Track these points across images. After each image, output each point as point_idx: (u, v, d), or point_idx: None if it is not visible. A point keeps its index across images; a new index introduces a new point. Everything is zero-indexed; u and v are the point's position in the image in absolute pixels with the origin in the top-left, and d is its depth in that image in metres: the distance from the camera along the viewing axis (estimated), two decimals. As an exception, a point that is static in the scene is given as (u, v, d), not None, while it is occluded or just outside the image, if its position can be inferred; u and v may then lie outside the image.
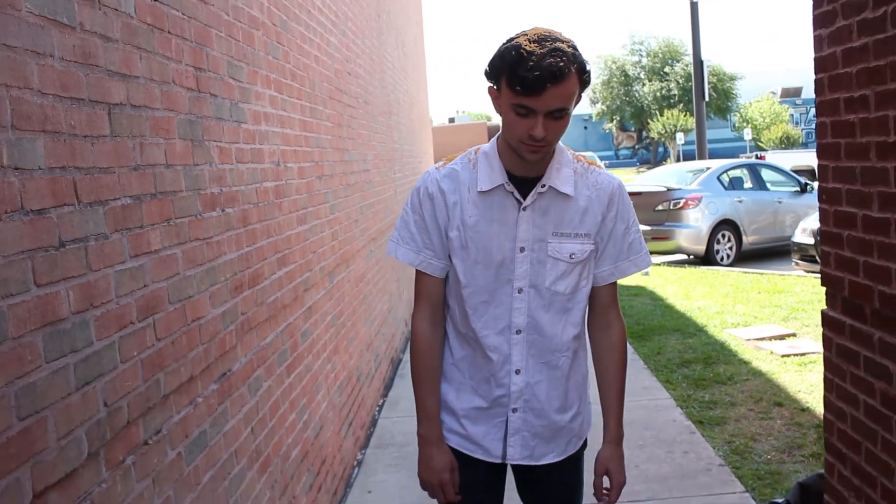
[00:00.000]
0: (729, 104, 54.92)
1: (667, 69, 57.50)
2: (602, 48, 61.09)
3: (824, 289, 3.40)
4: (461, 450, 2.46)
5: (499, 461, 2.45)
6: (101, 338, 2.01)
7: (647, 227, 13.71)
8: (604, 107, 60.25)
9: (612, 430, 2.43)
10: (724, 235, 13.59)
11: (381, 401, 6.79)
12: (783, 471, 4.87)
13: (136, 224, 2.28)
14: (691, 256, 13.93)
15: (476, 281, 2.35)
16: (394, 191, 8.90)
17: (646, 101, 57.71)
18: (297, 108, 4.42)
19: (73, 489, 1.84)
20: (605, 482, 2.42)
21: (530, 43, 2.09)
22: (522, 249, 2.31)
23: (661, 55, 58.44)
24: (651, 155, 58.98)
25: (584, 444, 2.55)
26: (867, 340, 3.00)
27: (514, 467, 2.52)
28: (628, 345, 7.64)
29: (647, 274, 12.47)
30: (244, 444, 3.11)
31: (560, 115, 2.13)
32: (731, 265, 13.39)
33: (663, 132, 49.83)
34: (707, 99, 21.77)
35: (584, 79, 2.15)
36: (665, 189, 13.98)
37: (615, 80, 59.40)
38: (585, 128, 65.34)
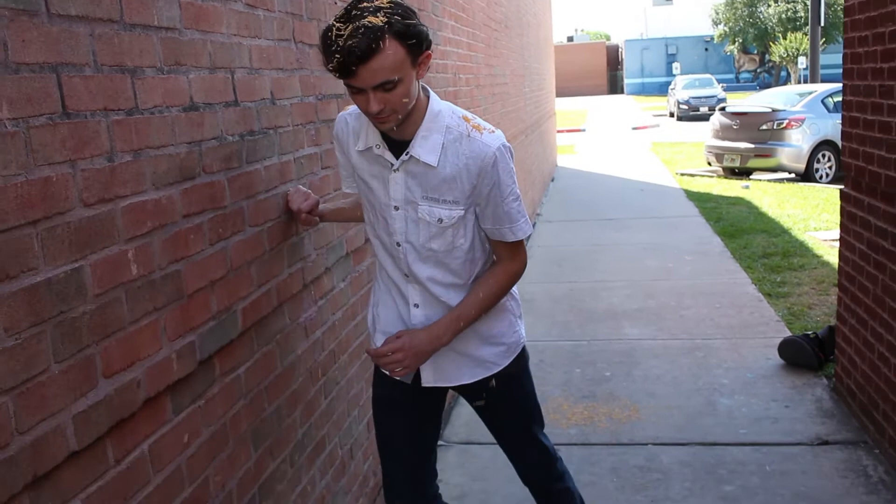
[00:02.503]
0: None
1: (794, -10, 56.19)
2: (729, -34, 59.60)
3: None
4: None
5: (409, 382, 2.53)
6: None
7: (751, 145, 14.82)
8: (726, 28, 59.25)
9: (431, 328, 2.41)
10: (823, 155, 14.57)
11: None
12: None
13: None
14: (792, 174, 14.98)
15: (370, 221, 2.47)
16: (524, 102, 10.40)
17: (770, 23, 56.64)
18: (464, 34, 5.96)
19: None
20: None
21: (338, 20, 2.02)
22: (397, 208, 2.33)
23: (789, -26, 57.04)
24: (773, 79, 58.14)
25: (515, 365, 2.62)
26: (866, 206, 4.40)
27: (463, 395, 2.68)
28: (718, 238, 9.08)
29: (747, 187, 13.66)
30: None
31: (390, 87, 2.05)
32: (829, 183, 14.40)
33: (785, 56, 49.18)
34: (823, 24, 22.21)
35: (409, 43, 2.04)
36: (770, 110, 14.99)
37: (739, 1, 58.36)
38: (706, 49, 64.36)
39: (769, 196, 12.79)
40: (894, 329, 3.97)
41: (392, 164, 2.29)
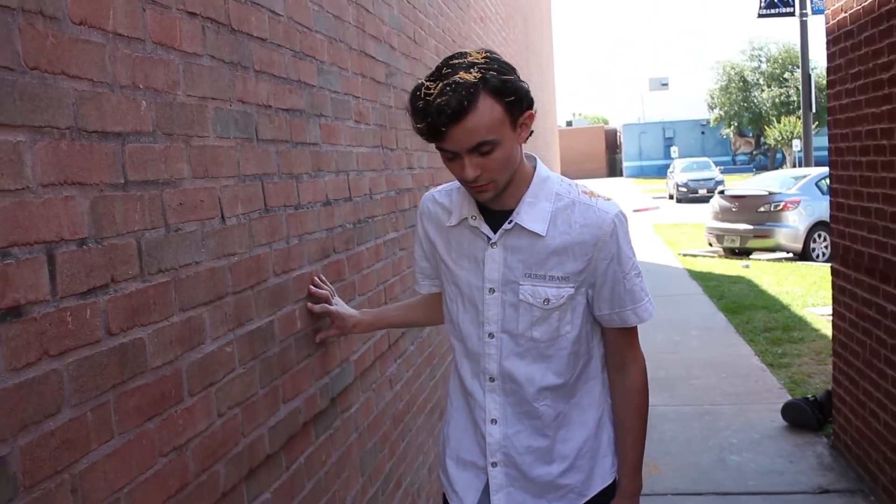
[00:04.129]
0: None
1: (786, 75, 57.83)
2: (721, 54, 61.30)
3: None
4: (445, 491, 2.30)
5: None
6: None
7: (750, 227, 15.52)
8: (721, 112, 60.75)
9: (625, 484, 2.18)
10: (819, 235, 15.26)
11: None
12: (824, 391, 6.84)
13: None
14: (790, 254, 15.64)
15: (452, 317, 2.18)
16: (535, 188, 11.11)
17: (764, 108, 58.14)
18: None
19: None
20: None
21: (428, 79, 1.86)
22: (492, 291, 2.05)
23: (780, 61, 58.75)
24: (769, 161, 59.40)
25: (600, 499, 2.20)
26: (854, 281, 5.01)
27: None
28: (722, 315, 9.65)
29: (747, 266, 14.30)
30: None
31: (487, 150, 1.85)
32: (826, 262, 15.03)
33: (780, 139, 50.43)
34: (814, 109, 23.23)
35: (507, 101, 1.84)
36: (767, 193, 15.73)
37: (734, 85, 59.93)
38: (703, 132, 65.82)
39: (769, 274, 13.40)
40: (881, 388, 4.53)
41: (489, 238, 2.04)
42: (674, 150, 57.35)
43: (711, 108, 61.40)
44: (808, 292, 11.51)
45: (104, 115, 1.44)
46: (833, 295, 5.46)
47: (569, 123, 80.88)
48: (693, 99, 63.46)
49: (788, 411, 6.07)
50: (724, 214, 16.44)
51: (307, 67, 2.48)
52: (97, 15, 1.43)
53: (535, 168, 2.07)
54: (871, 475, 4.76)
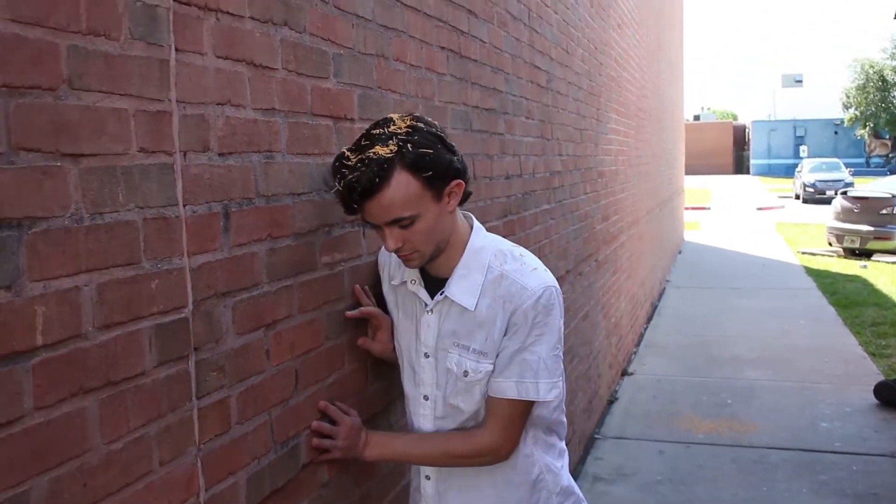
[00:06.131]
0: None
1: (929, 76, 55.89)
2: (859, 51, 59.49)
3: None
4: None
5: None
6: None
7: (871, 228, 15.78)
8: (857, 112, 59.09)
9: (374, 439, 2.08)
10: (942, 239, 15.42)
11: (646, 326, 9.80)
12: (920, 379, 7.44)
13: (601, 180, 5.44)
14: (911, 256, 15.83)
15: (401, 371, 2.16)
16: (660, 179, 11.84)
17: (903, 109, 56.36)
18: (621, 123, 7.49)
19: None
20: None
21: (349, 149, 1.82)
22: (427, 355, 2.04)
23: (924, 61, 56.79)
24: (904, 165, 57.55)
25: None
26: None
27: None
28: (832, 308, 10.20)
29: (865, 267, 14.62)
30: (595, 305, 6.24)
31: (406, 224, 1.81)
32: (947, 267, 15.19)
33: (917, 142, 48.89)
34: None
35: (425, 176, 1.78)
36: (891, 195, 15.95)
37: (871, 84, 58.22)
38: (836, 133, 64.12)
39: (885, 275, 13.73)
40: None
41: (426, 305, 2.02)
42: (803, 150, 56.28)
43: (846, 107, 59.70)
44: (922, 292, 11.88)
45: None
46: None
47: (696, 117, 79.87)
48: (827, 97, 61.85)
49: (881, 390, 6.73)
50: (845, 215, 16.70)
51: (499, 78, 3.43)
52: (404, 55, 2.41)
53: (471, 232, 2.01)
54: (945, 442, 5.44)
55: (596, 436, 6.03)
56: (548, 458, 2.12)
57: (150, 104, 1.38)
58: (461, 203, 1.94)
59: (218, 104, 1.57)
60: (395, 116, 1.85)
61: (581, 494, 2.23)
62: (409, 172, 1.77)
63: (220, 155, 1.58)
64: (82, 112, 1.24)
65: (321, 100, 1.95)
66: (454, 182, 1.86)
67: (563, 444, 2.20)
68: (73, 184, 1.23)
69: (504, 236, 3.42)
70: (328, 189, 1.94)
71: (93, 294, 1.27)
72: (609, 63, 6.62)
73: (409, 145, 1.77)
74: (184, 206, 1.47)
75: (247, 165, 1.66)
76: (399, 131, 1.79)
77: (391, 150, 1.75)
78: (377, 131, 1.81)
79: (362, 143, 1.80)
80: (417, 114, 1.93)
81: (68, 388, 1.23)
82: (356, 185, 1.75)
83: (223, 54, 1.58)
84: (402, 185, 1.76)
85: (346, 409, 2.06)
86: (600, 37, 6.22)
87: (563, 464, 2.19)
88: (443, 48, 2.75)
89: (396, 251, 1.87)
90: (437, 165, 1.80)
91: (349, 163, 1.77)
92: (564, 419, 2.19)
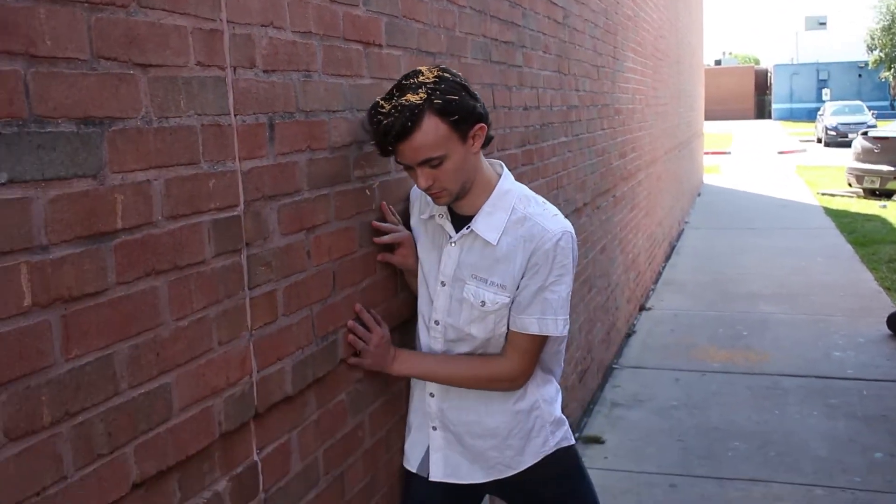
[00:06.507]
0: None
1: (956, 16, 54.88)
2: (885, -9, 58.34)
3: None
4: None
5: (423, 474, 2.39)
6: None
7: (891, 168, 15.77)
8: (882, 54, 58.19)
9: (402, 355, 2.28)
10: (963, 178, 15.40)
11: (664, 265, 9.96)
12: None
13: (618, 117, 5.57)
14: (931, 196, 15.83)
15: (419, 298, 2.36)
16: (678, 121, 11.90)
17: (929, 50, 55.47)
18: (638, 63, 7.58)
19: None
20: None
21: (383, 98, 2.01)
22: (444, 284, 2.22)
23: (951, 0, 55.72)
24: (929, 107, 56.81)
25: (550, 468, 2.38)
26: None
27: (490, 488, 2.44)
28: (850, 246, 10.30)
29: (884, 206, 14.66)
30: (612, 239, 6.39)
31: (436, 163, 2.00)
32: (968, 207, 15.18)
33: (943, 84, 48.21)
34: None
35: (452, 120, 1.98)
36: (910, 135, 15.94)
37: (897, 26, 57.30)
38: (860, 76, 63.27)
39: (904, 215, 13.80)
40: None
41: (450, 237, 2.21)
42: (825, 93, 55.67)
43: (871, 49, 58.80)
44: (940, 230, 11.94)
45: (430, 43, 2.58)
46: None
47: (717, 62, 78.94)
48: (851, 39, 60.99)
49: (893, 321, 6.87)
50: (865, 155, 16.68)
51: (516, 13, 3.56)
52: (428, -14, 2.57)
53: (499, 180, 2.20)
54: (954, 368, 5.60)
55: (614, 366, 6.24)
56: (544, 390, 2.36)
57: (205, 23, 1.55)
58: (484, 146, 2.12)
59: (262, 25, 1.73)
60: (423, 69, 2.03)
61: (570, 429, 2.46)
62: (438, 116, 1.96)
63: (265, 72, 1.75)
64: (149, 27, 1.41)
65: (352, 25, 2.11)
66: (478, 125, 2.05)
67: (557, 385, 2.45)
68: (142, 90, 1.40)
69: (523, 165, 3.61)
70: (366, 133, 2.10)
71: (161, 188, 1.45)
72: (625, 1, 6.70)
73: (437, 92, 1.96)
74: (235, 115, 1.65)
75: (288, 82, 1.83)
76: (427, 81, 1.98)
77: (421, 98, 1.94)
78: (407, 81, 2.00)
79: (395, 92, 1.99)
80: (444, 65, 2.12)
81: (143, 268, 1.42)
82: (391, 129, 1.94)
83: (266, -21, 1.74)
84: (431, 128, 1.96)
85: (379, 319, 2.24)
86: (617, -25, 6.30)
87: (557, 398, 2.43)
88: (462, -20, 2.89)
89: (427, 189, 2.06)
90: (462, 110, 1.99)
91: (384, 110, 1.96)
92: (562, 362, 2.45)
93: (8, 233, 1.16)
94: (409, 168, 2.06)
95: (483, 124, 2.06)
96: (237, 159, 1.65)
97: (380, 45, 2.28)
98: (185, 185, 1.51)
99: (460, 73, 2.10)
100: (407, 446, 2.45)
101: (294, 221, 1.87)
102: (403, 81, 2.01)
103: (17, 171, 1.17)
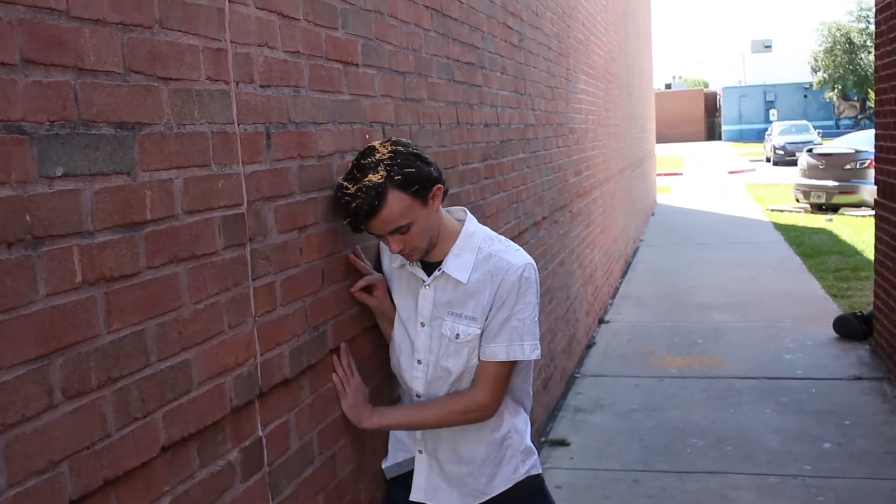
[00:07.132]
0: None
1: (894, 38, 56.43)
2: (826, 15, 59.95)
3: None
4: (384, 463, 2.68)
5: (387, 474, 2.67)
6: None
7: (836, 183, 16.33)
8: (825, 75, 59.62)
9: (380, 409, 2.47)
10: (904, 193, 15.96)
11: (621, 280, 10.26)
12: (877, 314, 7.92)
13: (572, 136, 5.85)
14: (873, 210, 16.36)
15: (395, 348, 2.53)
16: (630, 141, 12.28)
17: (870, 70, 56.96)
18: (591, 85, 7.90)
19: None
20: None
21: (345, 179, 2.21)
22: (423, 324, 2.40)
23: (889, 24, 57.28)
24: (874, 125, 58.20)
25: (518, 493, 2.53)
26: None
27: None
28: (798, 257, 10.71)
29: (830, 220, 15.16)
30: (570, 253, 6.66)
31: (405, 230, 2.20)
32: (909, 218, 15.74)
33: (884, 103, 49.50)
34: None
35: (412, 191, 2.17)
36: (853, 151, 16.50)
37: (839, 47, 58.75)
38: (805, 96, 64.78)
39: (849, 227, 14.28)
40: (904, 291, 5.68)
41: (424, 281, 2.39)
42: (773, 114, 56.93)
43: (815, 70, 60.16)
44: (884, 241, 12.40)
45: (399, 63, 2.81)
46: (875, 223, 6.59)
47: (668, 86, 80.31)
48: (796, 62, 62.55)
49: (839, 324, 7.21)
50: (811, 171, 17.24)
51: (476, 36, 3.82)
52: (396, 11, 2.81)
53: (463, 224, 2.40)
54: (896, 365, 5.93)
55: (576, 375, 6.48)
56: (515, 420, 2.54)
57: (213, 42, 1.77)
58: (442, 200, 2.32)
59: (258, 45, 1.96)
60: (377, 144, 2.24)
61: (538, 458, 2.65)
62: (400, 190, 2.16)
63: (262, 86, 1.97)
64: (169, 46, 1.63)
65: (333, 46, 2.35)
66: (435, 187, 2.25)
67: (527, 416, 2.63)
68: (164, 100, 1.62)
69: (485, 178, 3.86)
70: (334, 214, 2.30)
71: (181, 185, 1.66)
72: (577, 26, 7.03)
73: (395, 167, 2.16)
74: (238, 124, 1.86)
75: (280, 96, 2.05)
76: (384, 158, 2.17)
77: (381, 176, 2.14)
78: (365, 161, 2.19)
79: (355, 173, 2.19)
80: (394, 137, 2.37)
81: (167, 255, 1.62)
82: (360, 210, 2.15)
83: (261, 6, 1.97)
84: (395, 202, 2.16)
85: (354, 371, 2.43)
86: (567, 1, 6.61)
87: (526, 429, 2.61)
88: (427, 7, 3.14)
89: (399, 252, 2.27)
90: (420, 179, 2.19)
91: (349, 191, 2.16)
92: (531, 391, 2.63)
93: (64, 219, 1.36)
94: (380, 236, 2.29)
95: (440, 185, 2.27)
96: (241, 163, 1.87)
97: (357, 65, 2.51)
98: (200, 184, 1.72)
99: (410, 141, 2.34)
100: (391, 446, 2.67)
101: (288, 221, 2.08)
102: (361, 161, 2.20)
103: (70, 166, 1.37)
